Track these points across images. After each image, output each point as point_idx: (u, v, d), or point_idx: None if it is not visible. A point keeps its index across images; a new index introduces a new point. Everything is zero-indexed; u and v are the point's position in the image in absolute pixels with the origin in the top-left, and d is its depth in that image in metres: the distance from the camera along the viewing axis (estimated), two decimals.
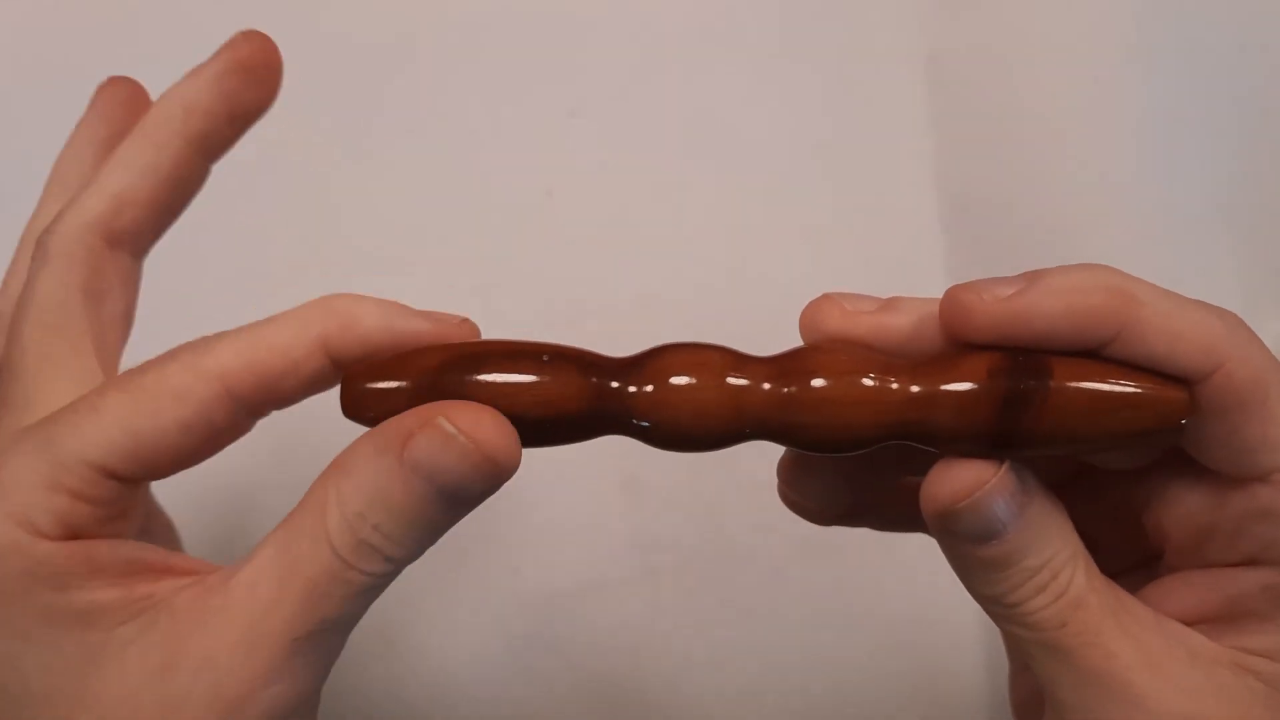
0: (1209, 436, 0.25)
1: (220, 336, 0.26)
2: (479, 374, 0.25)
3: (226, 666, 0.24)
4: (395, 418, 0.24)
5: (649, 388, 0.25)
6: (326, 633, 0.25)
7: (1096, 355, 0.25)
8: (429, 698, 0.43)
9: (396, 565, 0.25)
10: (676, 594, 0.44)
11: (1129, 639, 0.25)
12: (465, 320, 0.27)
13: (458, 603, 0.44)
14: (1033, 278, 0.25)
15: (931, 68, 0.47)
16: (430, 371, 0.25)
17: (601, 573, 0.44)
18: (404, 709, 0.43)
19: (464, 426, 0.24)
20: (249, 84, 0.30)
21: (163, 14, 0.47)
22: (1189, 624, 0.26)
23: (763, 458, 0.40)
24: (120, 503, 0.25)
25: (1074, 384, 0.24)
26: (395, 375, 0.25)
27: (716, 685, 0.44)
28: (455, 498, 0.24)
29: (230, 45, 0.30)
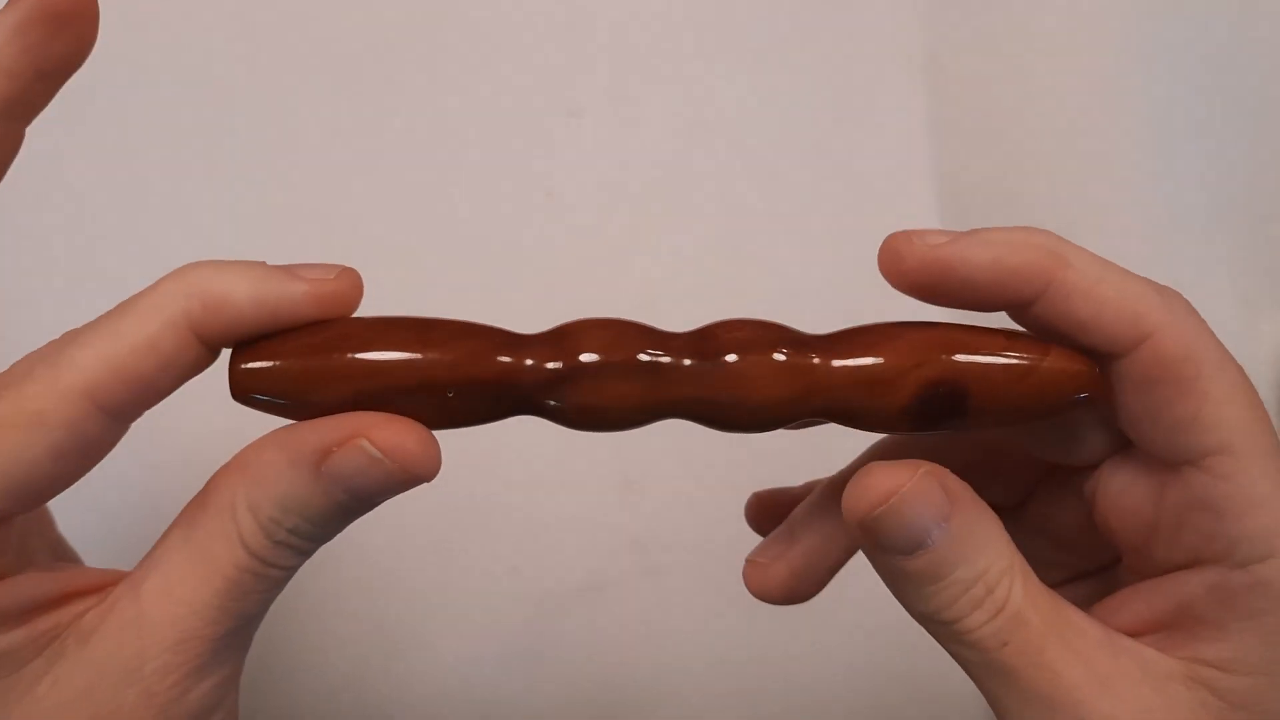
0: (1140, 413, 0.25)
1: (75, 341, 0.23)
2: (368, 353, 0.24)
3: (154, 673, 0.24)
4: (307, 427, 0.24)
5: (557, 364, 0.24)
6: (247, 626, 0.25)
7: (1023, 321, 0.25)
8: (429, 697, 0.43)
9: (311, 554, 0.25)
10: (676, 594, 0.44)
11: (1075, 657, 0.24)
12: (344, 272, 0.25)
13: (457, 602, 0.44)
14: (969, 231, 0.25)
15: (931, 68, 0.47)
16: (322, 349, 0.24)
17: (601, 573, 0.44)
18: (404, 708, 0.43)
19: (386, 448, 0.23)
20: (58, 34, 0.25)
21: (162, 13, 0.46)
22: (1142, 635, 0.26)
23: (763, 457, 0.40)
24: (4, 539, 0.25)
25: (977, 358, 0.24)
26: (284, 355, 0.24)
27: (716, 685, 0.44)
28: (371, 503, 0.24)
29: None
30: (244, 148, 0.45)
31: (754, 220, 0.47)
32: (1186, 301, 0.25)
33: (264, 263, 0.24)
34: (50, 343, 0.24)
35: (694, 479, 0.45)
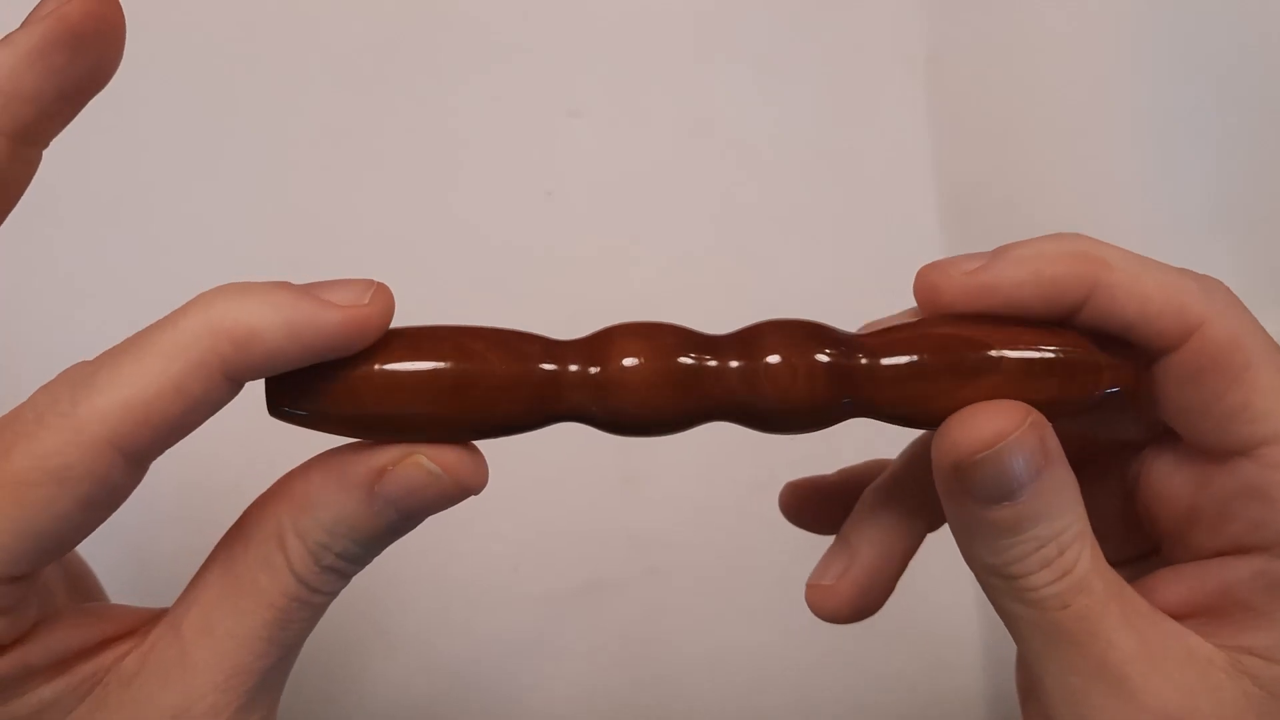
0: (1188, 405, 0.25)
1: (94, 383, 0.22)
2: (409, 363, 0.23)
3: (204, 713, 0.24)
4: (354, 450, 0.24)
5: (598, 370, 0.24)
6: (289, 655, 0.25)
7: (1067, 323, 0.25)
8: (429, 697, 0.43)
9: (351, 579, 0.25)
10: (676, 594, 0.44)
11: (1130, 630, 0.24)
12: (377, 292, 0.24)
13: (457, 603, 0.44)
14: (1000, 250, 0.25)
15: (931, 68, 0.47)
16: (362, 361, 0.23)
17: (601, 573, 0.44)
18: (404, 709, 0.43)
19: (443, 463, 0.24)
20: (80, 54, 0.23)
21: (161, 12, 0.46)
22: (1182, 619, 0.26)
23: (762, 458, 0.40)
24: (32, 590, 0.24)
25: (1016, 354, 0.24)
26: (326, 370, 0.23)
27: (716, 685, 0.44)
28: (419, 519, 0.24)
29: (51, 6, 0.23)
30: (244, 149, 0.45)
31: (754, 220, 0.47)
32: (1228, 289, 0.25)
33: (290, 285, 0.23)
34: (62, 378, 0.22)
35: (694, 478, 0.45)
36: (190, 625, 0.24)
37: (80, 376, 0.22)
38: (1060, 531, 0.24)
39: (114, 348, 0.22)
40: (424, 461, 0.23)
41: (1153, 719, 0.24)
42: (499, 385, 0.24)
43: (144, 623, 0.25)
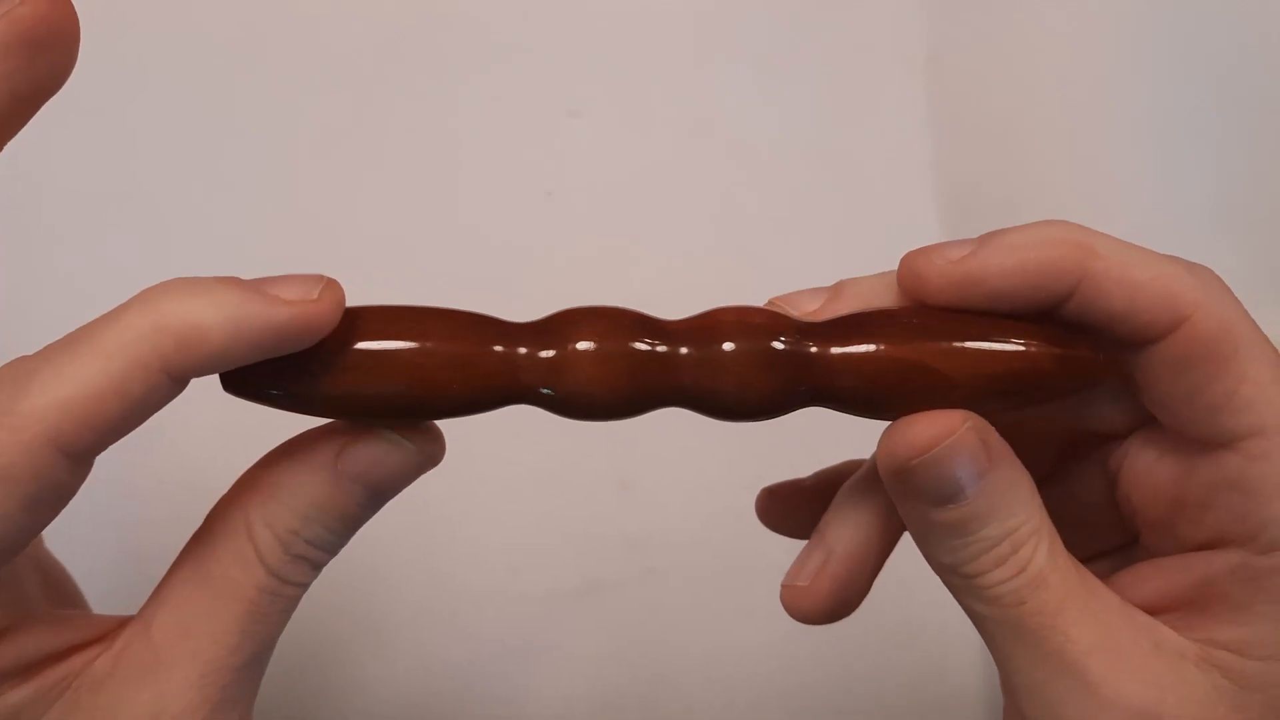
0: (1174, 394, 0.25)
1: (31, 384, 0.21)
2: (366, 343, 0.23)
3: (179, 712, 0.23)
4: (314, 433, 0.24)
5: (550, 353, 0.24)
6: (264, 651, 0.25)
7: (1051, 315, 0.24)
8: (428, 698, 0.43)
9: (322, 567, 0.25)
10: (674, 595, 0.44)
11: (1092, 624, 0.24)
12: (326, 288, 0.23)
13: (457, 602, 0.44)
14: (986, 237, 0.25)
15: (931, 68, 0.47)
16: (320, 342, 0.23)
17: (601, 573, 0.44)
18: (403, 709, 0.43)
19: (404, 432, 0.24)
20: (35, 59, 0.23)
21: (161, 12, 0.47)
22: (1160, 612, 0.26)
23: (761, 456, 0.40)
24: None
25: (972, 345, 0.24)
26: None
27: (714, 686, 0.44)
28: (384, 496, 0.25)
29: (6, 11, 0.23)
30: (244, 149, 0.45)
31: (754, 220, 0.47)
32: (1217, 277, 0.25)
33: (238, 280, 0.23)
34: (2, 374, 0.22)
35: (691, 479, 0.45)
36: (161, 624, 0.24)
37: (20, 373, 0.21)
38: (1013, 530, 0.24)
39: (56, 342, 0.22)
40: (384, 432, 0.24)
41: (1116, 712, 0.24)
42: (451, 365, 0.24)
43: (115, 628, 0.25)
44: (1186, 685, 0.24)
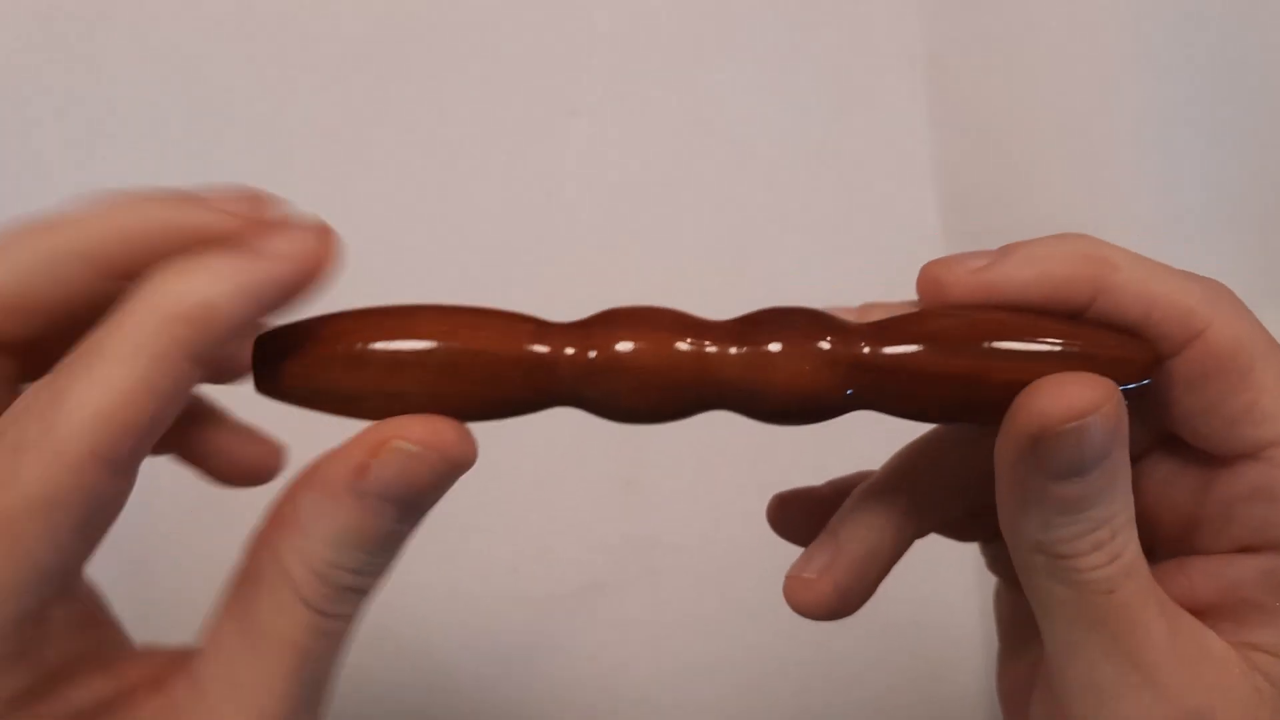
0: (1193, 409, 0.25)
1: (63, 402, 0.21)
2: (398, 342, 0.23)
3: None
4: (329, 457, 0.23)
5: (594, 354, 0.23)
6: (321, 689, 0.24)
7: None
8: (428, 698, 0.43)
9: (370, 594, 0.24)
10: (676, 594, 0.44)
11: (1166, 622, 0.24)
12: (320, 233, 0.23)
13: (457, 603, 0.44)
14: (1007, 249, 0.25)
15: (931, 68, 0.47)
16: (352, 336, 0.23)
17: (601, 573, 0.44)
18: (403, 709, 0.43)
19: (422, 440, 0.22)
20: (297, 290, 0.23)
21: (160, 10, 0.46)
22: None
23: (763, 457, 0.40)
24: (43, 633, 0.23)
25: (1028, 346, 0.23)
26: (312, 344, 0.23)
27: (716, 685, 0.44)
28: (421, 507, 0.23)
29: (284, 245, 0.23)
30: (243, 150, 0.45)
31: (754, 220, 0.47)
32: (1232, 293, 0.25)
33: (226, 248, 0.22)
34: (23, 404, 0.22)
35: (694, 480, 0.45)
36: (211, 678, 0.23)
37: (44, 397, 0.21)
38: (1114, 515, 0.24)
39: (69, 360, 0.22)
40: (401, 445, 0.22)
41: (1175, 712, 0.24)
42: (489, 365, 0.23)
43: (161, 669, 0.24)
44: (1234, 690, 0.24)
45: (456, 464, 0.23)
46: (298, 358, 0.23)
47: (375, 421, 0.23)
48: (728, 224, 0.47)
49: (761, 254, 0.46)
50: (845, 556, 0.28)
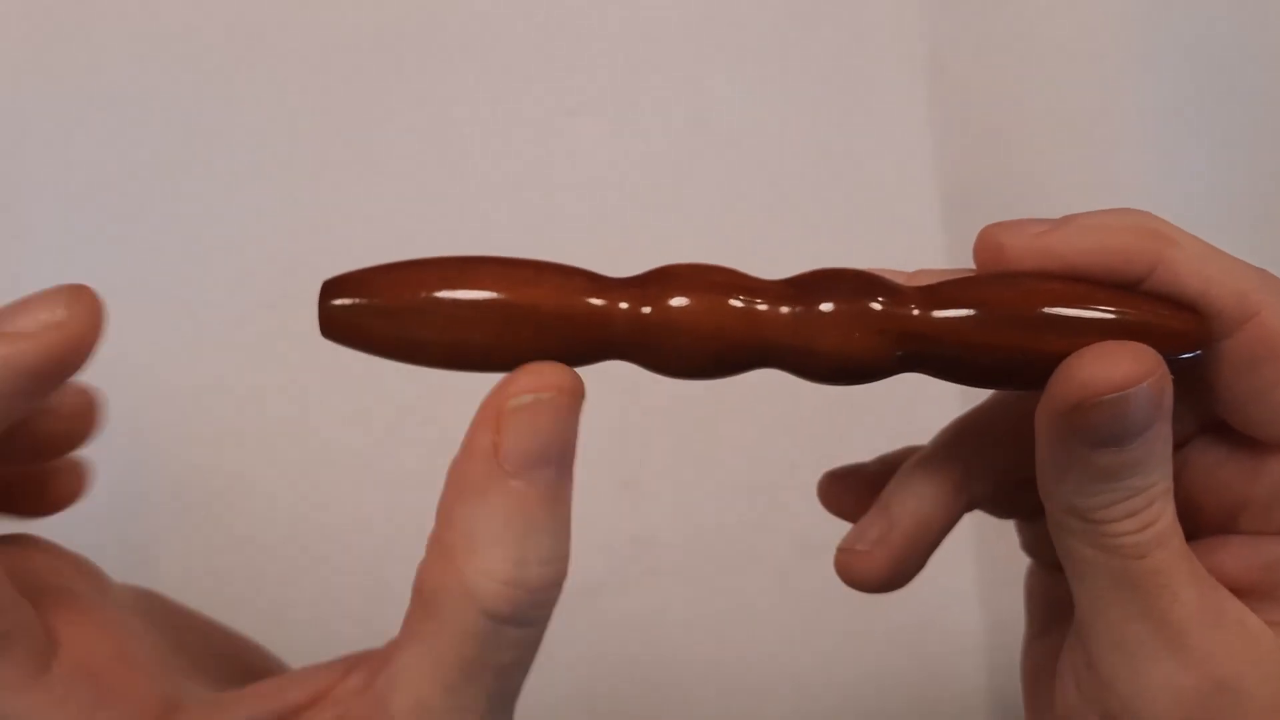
0: (1242, 393, 0.25)
1: None
2: (460, 291, 0.23)
3: None
4: (462, 458, 0.22)
5: (648, 309, 0.24)
6: (515, 696, 0.24)
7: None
8: None
9: (562, 582, 0.24)
10: (676, 594, 0.44)
11: (1196, 590, 0.24)
12: (71, 298, 0.21)
13: None
14: (1066, 218, 0.25)
15: (932, 68, 0.47)
16: (415, 289, 0.23)
17: (601, 573, 0.44)
18: None
19: (534, 386, 0.22)
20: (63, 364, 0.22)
21: (158, 9, 0.46)
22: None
23: (765, 458, 0.40)
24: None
25: (1082, 313, 0.23)
26: (377, 292, 0.23)
27: (717, 685, 0.44)
28: (566, 453, 0.23)
29: (41, 317, 0.21)
30: (241, 150, 0.45)
31: (755, 220, 0.47)
32: None
33: None
34: None
35: (694, 480, 0.45)
36: (402, 707, 0.23)
37: None
38: (1152, 485, 0.24)
39: None
40: (517, 402, 0.22)
41: (1202, 679, 0.24)
42: (547, 317, 0.23)
43: (327, 684, 0.24)
44: (1266, 665, 0.24)
45: (573, 392, 0.23)
46: (360, 305, 0.24)
47: (482, 405, 0.23)
48: (728, 223, 0.47)
49: (762, 254, 0.46)
50: (898, 528, 0.28)
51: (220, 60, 0.45)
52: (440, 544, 0.23)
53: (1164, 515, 0.24)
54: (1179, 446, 0.27)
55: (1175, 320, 0.24)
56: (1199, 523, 0.27)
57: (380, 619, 0.43)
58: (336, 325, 0.24)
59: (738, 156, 0.47)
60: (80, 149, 0.44)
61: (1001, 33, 0.47)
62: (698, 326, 0.24)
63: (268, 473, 0.40)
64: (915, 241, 0.46)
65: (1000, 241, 0.25)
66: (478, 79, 0.47)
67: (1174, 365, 0.24)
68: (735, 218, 0.47)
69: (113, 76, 0.45)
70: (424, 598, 0.23)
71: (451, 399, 0.41)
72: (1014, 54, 0.47)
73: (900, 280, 0.25)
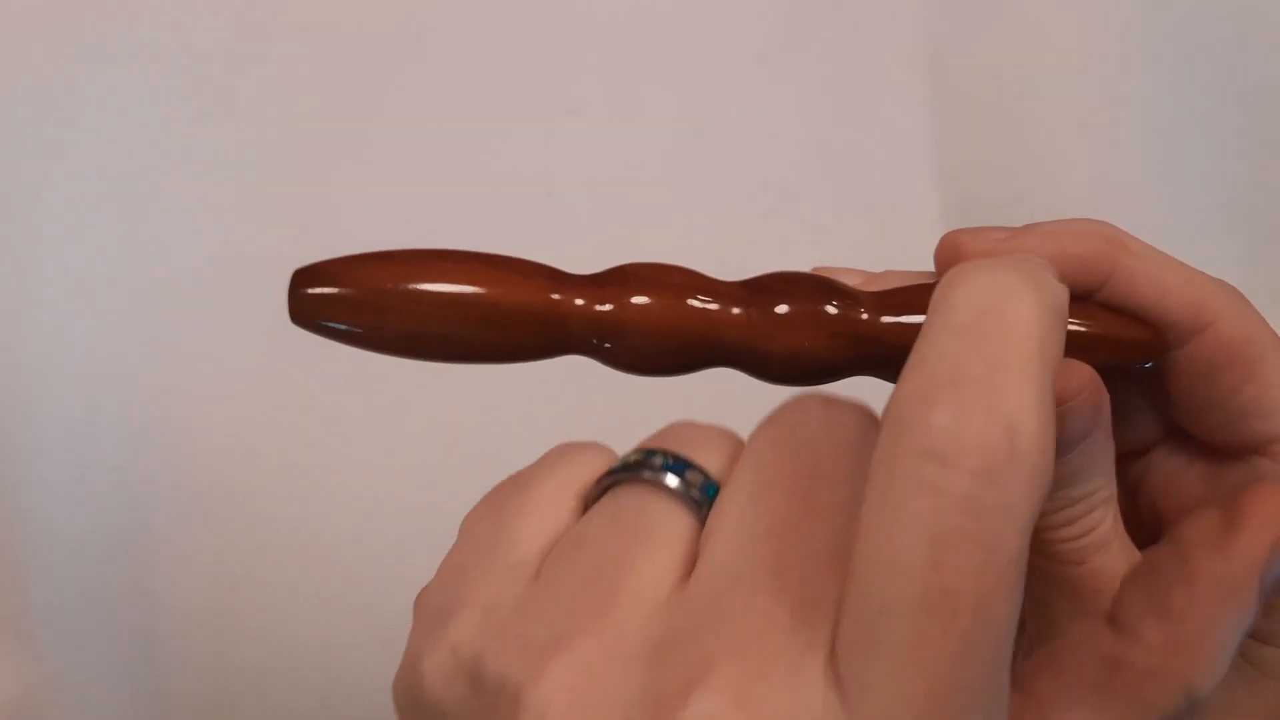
0: (1201, 401, 0.25)
1: None
2: (427, 284, 0.24)
3: None
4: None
5: (607, 306, 0.24)
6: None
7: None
8: None
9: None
10: None
11: (1141, 593, 0.24)
12: None
13: None
14: (1026, 226, 0.25)
15: (932, 67, 0.47)
16: (385, 278, 0.24)
17: None
18: None
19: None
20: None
21: (157, 8, 0.46)
22: None
23: None
24: None
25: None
26: (346, 281, 0.24)
27: None
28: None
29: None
30: (238, 150, 0.45)
31: (754, 219, 0.47)
32: (1240, 293, 0.25)
33: None
34: None
35: None
36: None
37: None
38: (1092, 493, 0.24)
39: None
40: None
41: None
42: (506, 311, 0.24)
43: None
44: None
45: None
46: (327, 295, 0.24)
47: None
48: (727, 223, 0.47)
49: (761, 253, 0.46)
50: None
51: (218, 59, 0.45)
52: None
53: (1104, 521, 0.24)
54: (1143, 453, 0.27)
55: (1130, 330, 0.24)
56: (1162, 528, 0.27)
57: (382, 615, 0.43)
58: (304, 313, 0.24)
59: (737, 155, 0.47)
60: (81, 149, 0.44)
61: (1003, 33, 0.47)
62: (654, 325, 0.24)
63: (268, 473, 0.40)
64: (915, 241, 0.46)
65: (960, 245, 0.25)
66: (476, 78, 0.47)
67: (1132, 374, 0.24)
68: (735, 217, 0.47)
69: (113, 76, 0.45)
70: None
71: (455, 399, 0.41)
72: (1015, 54, 0.47)
73: (857, 282, 0.26)
